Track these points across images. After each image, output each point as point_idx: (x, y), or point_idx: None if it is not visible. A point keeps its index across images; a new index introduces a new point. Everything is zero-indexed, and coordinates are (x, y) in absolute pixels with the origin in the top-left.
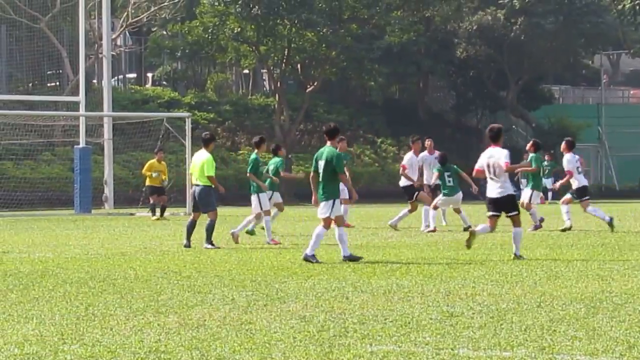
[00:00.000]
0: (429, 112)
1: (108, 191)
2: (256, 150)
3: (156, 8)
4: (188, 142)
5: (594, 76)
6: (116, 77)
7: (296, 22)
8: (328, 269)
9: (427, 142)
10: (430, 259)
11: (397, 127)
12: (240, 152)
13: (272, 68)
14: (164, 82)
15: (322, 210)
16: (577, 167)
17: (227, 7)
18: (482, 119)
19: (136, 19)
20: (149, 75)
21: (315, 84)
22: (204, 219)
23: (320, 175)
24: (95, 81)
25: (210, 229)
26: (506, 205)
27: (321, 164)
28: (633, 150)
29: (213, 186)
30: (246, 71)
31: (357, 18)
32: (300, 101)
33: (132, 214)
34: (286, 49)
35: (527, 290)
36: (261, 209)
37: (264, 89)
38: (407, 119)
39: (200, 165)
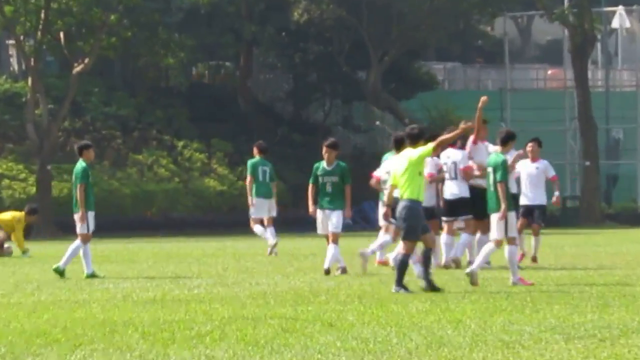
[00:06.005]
0: (254, 102)
1: None
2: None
3: None
4: None
5: (495, 49)
6: None
7: None
8: None
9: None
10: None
11: (207, 126)
12: None
13: (22, 38)
14: None
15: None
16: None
17: None
18: (330, 112)
19: None
20: None
21: (87, 61)
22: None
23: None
24: None
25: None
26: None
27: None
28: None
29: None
30: None
31: None
32: (64, 87)
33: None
34: (43, 10)
35: None
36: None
37: (11, 68)
38: (222, 113)
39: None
